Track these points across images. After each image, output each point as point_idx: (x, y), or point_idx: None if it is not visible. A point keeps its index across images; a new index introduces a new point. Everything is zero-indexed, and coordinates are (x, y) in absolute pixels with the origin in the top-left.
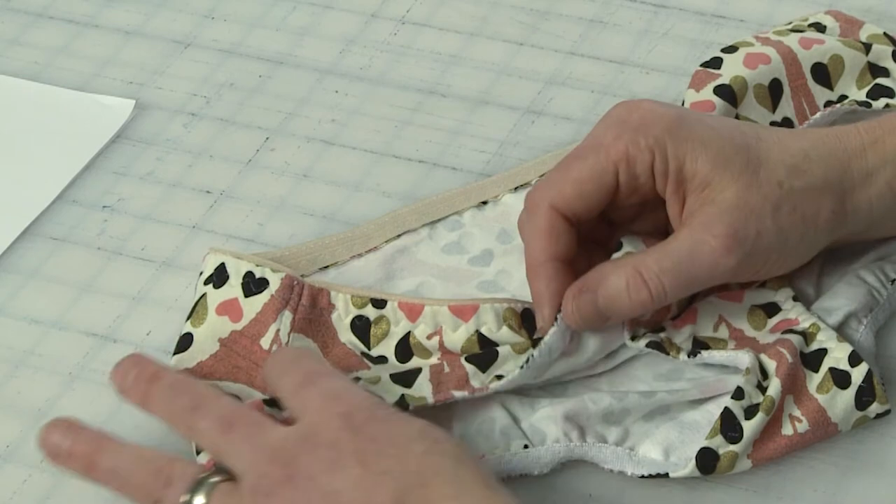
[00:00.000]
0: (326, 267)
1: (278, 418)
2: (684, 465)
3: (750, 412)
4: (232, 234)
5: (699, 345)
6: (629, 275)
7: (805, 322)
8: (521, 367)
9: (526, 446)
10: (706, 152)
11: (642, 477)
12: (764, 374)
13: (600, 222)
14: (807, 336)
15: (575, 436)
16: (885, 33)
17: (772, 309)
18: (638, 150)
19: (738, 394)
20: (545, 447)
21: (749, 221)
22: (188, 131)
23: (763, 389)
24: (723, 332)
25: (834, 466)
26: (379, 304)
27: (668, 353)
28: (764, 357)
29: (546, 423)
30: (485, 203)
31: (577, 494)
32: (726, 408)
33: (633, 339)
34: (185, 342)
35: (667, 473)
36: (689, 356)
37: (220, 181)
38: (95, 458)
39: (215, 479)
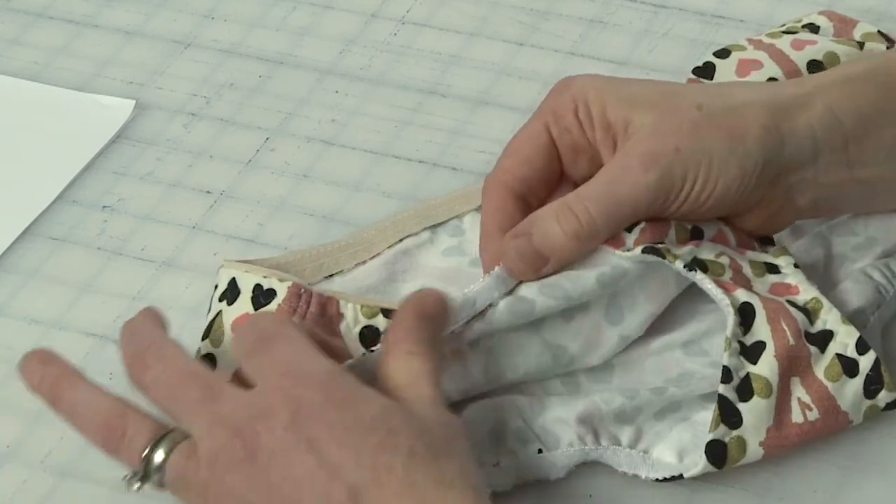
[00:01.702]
0: (332, 275)
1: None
2: (696, 463)
3: (743, 391)
4: (232, 235)
5: (698, 263)
6: (557, 208)
7: (805, 294)
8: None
9: (540, 450)
10: (622, 92)
11: (657, 480)
12: (747, 322)
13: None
14: (810, 312)
15: (589, 439)
16: (879, 31)
17: (772, 268)
18: (561, 103)
19: (726, 376)
20: (560, 451)
21: (667, 139)
22: (188, 131)
23: (747, 350)
24: (724, 260)
25: (835, 467)
26: (390, 314)
27: (664, 258)
28: (756, 303)
29: (559, 425)
30: None
31: (577, 494)
32: (720, 394)
33: (627, 251)
34: (208, 364)
35: (681, 475)
36: (685, 267)
37: (220, 181)
38: (58, 391)
39: (174, 436)
